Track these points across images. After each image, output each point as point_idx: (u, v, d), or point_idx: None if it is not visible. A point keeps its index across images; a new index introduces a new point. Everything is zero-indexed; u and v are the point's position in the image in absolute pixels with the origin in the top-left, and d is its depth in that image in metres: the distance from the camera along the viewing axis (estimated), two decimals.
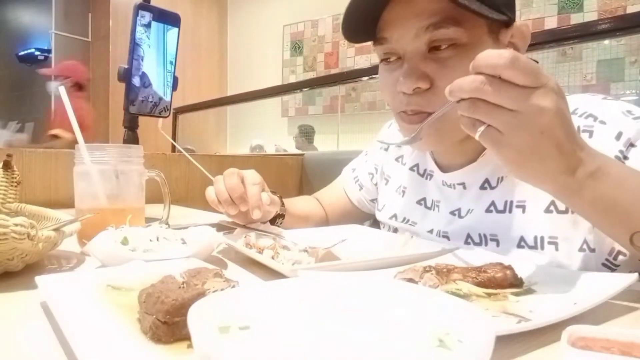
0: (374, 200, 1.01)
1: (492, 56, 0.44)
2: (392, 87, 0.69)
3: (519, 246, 0.67)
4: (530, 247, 0.66)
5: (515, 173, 0.50)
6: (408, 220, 0.86)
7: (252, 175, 0.78)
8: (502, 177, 0.71)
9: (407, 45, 0.66)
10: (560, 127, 0.46)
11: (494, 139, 0.46)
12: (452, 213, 0.77)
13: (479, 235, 0.72)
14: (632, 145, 0.59)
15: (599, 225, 0.57)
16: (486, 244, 0.71)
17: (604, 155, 0.52)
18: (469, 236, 0.73)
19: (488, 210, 0.72)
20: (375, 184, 1.00)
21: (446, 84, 0.61)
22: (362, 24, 0.68)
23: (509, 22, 0.66)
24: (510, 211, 0.69)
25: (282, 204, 0.90)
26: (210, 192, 0.79)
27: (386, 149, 0.97)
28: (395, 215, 0.88)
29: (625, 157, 0.59)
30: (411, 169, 0.88)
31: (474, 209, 0.74)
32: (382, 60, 0.72)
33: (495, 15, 0.61)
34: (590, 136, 0.62)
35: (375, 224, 0.99)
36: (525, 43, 0.68)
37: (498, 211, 0.71)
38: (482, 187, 0.73)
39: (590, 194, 0.49)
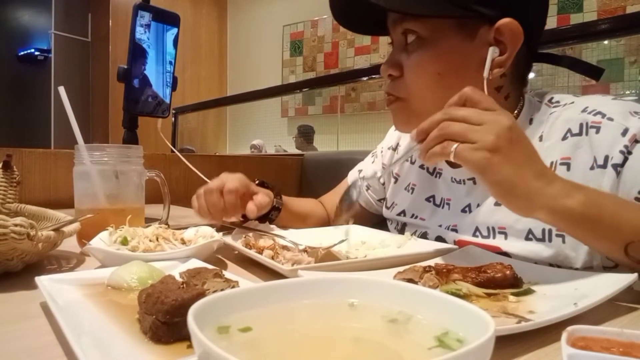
0: (381, 200, 1.01)
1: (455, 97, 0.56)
2: None
3: (527, 238, 0.68)
4: (538, 240, 0.67)
5: (494, 185, 0.52)
6: (417, 216, 0.87)
7: (231, 182, 0.79)
8: None
9: (392, 36, 0.75)
10: (524, 138, 0.53)
11: (469, 150, 0.51)
12: (463, 210, 0.78)
13: (487, 228, 0.73)
14: (637, 141, 0.60)
15: (586, 239, 0.56)
16: (494, 237, 0.71)
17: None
18: (477, 229, 0.74)
19: (497, 204, 0.72)
20: (383, 184, 1.00)
21: (411, 74, 0.71)
22: (372, 19, 0.76)
23: (492, 19, 0.65)
24: None
25: (280, 198, 0.90)
26: (194, 206, 0.82)
27: (395, 149, 0.98)
28: (404, 212, 0.89)
29: (629, 152, 0.60)
30: (421, 167, 0.90)
31: (483, 203, 0.75)
32: None
33: (447, 11, 0.65)
34: (597, 132, 0.63)
35: (379, 226, 0.98)
36: (515, 41, 0.66)
37: None
38: None
39: (577, 202, 0.50)
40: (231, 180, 0.80)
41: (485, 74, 0.65)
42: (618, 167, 0.60)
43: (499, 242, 0.70)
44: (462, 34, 0.67)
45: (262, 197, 0.82)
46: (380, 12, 0.73)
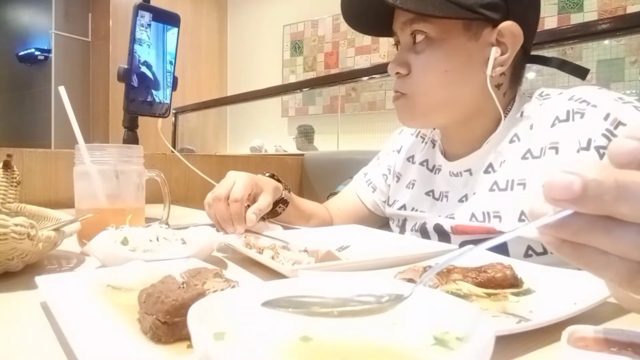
0: (386, 201, 1.01)
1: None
2: None
3: (520, 220, 0.71)
4: None
5: None
6: (416, 209, 0.89)
7: (236, 189, 0.78)
8: (504, 160, 0.76)
9: (400, 37, 0.78)
10: None
11: None
12: (460, 200, 0.81)
13: (483, 213, 0.76)
14: (620, 123, 0.64)
15: None
16: (489, 221, 0.75)
17: None
18: (473, 215, 0.77)
19: (491, 190, 0.76)
20: (389, 185, 1.01)
21: (419, 72, 0.75)
22: (376, 21, 0.80)
23: (495, 22, 0.72)
24: (512, 189, 0.74)
25: (289, 192, 0.91)
26: (208, 214, 0.83)
27: (399, 151, 1.00)
28: (404, 206, 0.92)
29: (613, 135, 0.63)
30: (421, 163, 0.92)
31: (478, 191, 0.78)
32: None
33: (458, 13, 0.69)
34: (582, 117, 0.68)
35: (385, 228, 0.98)
36: (516, 42, 0.73)
37: (500, 189, 0.75)
38: (486, 171, 0.78)
39: None
40: (237, 186, 0.79)
41: (488, 71, 0.72)
42: (601, 150, 0.64)
43: (493, 224, 0.73)
44: (468, 34, 0.72)
45: (264, 199, 0.82)
46: (387, 14, 0.79)
